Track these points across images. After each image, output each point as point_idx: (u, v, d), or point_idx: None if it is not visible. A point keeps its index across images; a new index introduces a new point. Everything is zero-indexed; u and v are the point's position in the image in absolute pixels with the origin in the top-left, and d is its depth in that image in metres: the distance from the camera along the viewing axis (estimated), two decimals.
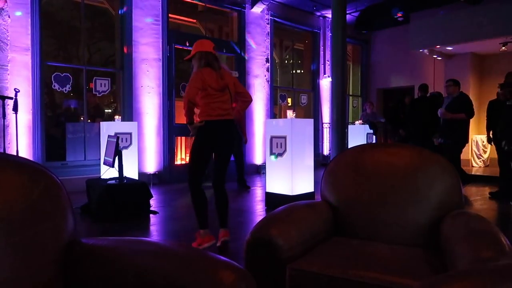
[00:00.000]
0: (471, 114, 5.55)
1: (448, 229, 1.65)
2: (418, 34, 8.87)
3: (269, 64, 8.69)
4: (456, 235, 1.52)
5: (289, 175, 4.59)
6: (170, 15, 7.25)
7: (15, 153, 4.91)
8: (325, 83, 10.09)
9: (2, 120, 4.63)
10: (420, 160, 2.00)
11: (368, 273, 1.43)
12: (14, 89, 4.46)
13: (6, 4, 4.40)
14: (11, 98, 4.53)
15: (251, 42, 8.34)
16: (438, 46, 8.87)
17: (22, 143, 5.44)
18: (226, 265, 1.06)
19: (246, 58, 8.25)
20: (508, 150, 4.81)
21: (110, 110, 10.93)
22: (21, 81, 5.50)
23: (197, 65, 3.04)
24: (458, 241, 1.45)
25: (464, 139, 5.65)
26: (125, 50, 6.61)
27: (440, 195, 1.90)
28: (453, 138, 5.57)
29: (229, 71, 3.22)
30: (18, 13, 5.44)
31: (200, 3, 7.86)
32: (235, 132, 3.18)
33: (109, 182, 4.37)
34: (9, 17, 5.44)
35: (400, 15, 8.60)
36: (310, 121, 5.04)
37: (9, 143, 5.30)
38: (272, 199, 4.75)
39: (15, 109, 4.39)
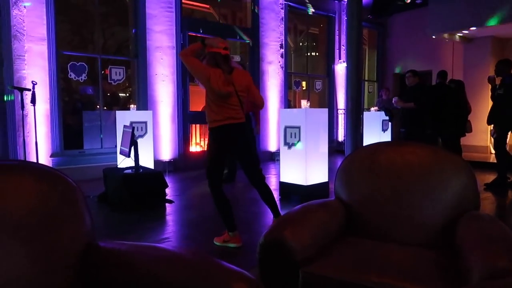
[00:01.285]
0: (421, 104, 5.74)
1: (463, 232, 1.64)
2: (437, 18, 8.62)
3: (283, 50, 8.59)
4: (471, 240, 1.51)
5: (303, 165, 4.59)
6: (183, 1, 7.20)
7: (34, 142, 5.03)
8: (340, 69, 9.95)
9: (21, 110, 4.72)
10: (435, 160, 1.97)
11: (382, 278, 1.43)
12: (32, 81, 4.53)
13: None
14: (29, 90, 4.60)
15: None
16: (458, 31, 8.61)
17: (41, 132, 5.55)
18: (239, 276, 1.08)
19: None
20: (497, 137, 5.07)
21: (125, 95, 11.04)
22: (37, 71, 5.58)
23: (208, 64, 2.96)
24: (473, 247, 1.44)
25: (418, 129, 5.81)
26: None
27: (455, 196, 1.88)
28: (408, 127, 5.94)
29: (242, 72, 3.11)
30: (27, 4, 5.48)
31: None
32: (249, 131, 3.13)
33: (125, 171, 4.44)
34: (25, 7, 5.48)
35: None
36: (325, 111, 4.99)
37: (28, 132, 5.41)
38: (286, 189, 4.77)
39: (33, 101, 4.47)
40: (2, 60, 5.37)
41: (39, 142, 5.25)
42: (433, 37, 9.19)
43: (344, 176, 2.14)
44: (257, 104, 3.24)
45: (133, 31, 6.60)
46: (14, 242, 1.19)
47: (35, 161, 5.01)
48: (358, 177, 2.08)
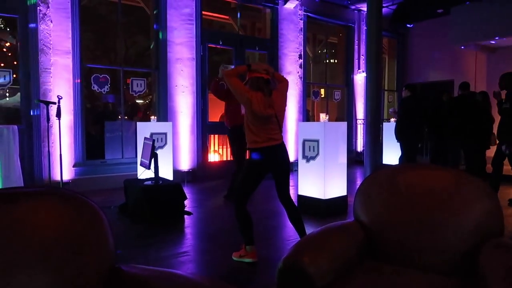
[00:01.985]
0: (402, 116, 6.13)
1: (486, 261, 1.60)
2: (460, 27, 8.49)
3: (302, 60, 8.61)
4: (494, 271, 1.48)
5: (322, 178, 4.57)
6: (203, 12, 7.31)
7: (58, 153, 5.17)
8: (360, 78, 9.89)
9: (46, 122, 4.87)
10: (457, 184, 1.94)
11: None
12: (57, 96, 4.67)
13: None
14: (54, 103, 4.75)
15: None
16: (481, 40, 8.46)
17: (64, 142, 5.70)
18: None
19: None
20: (510, 153, 4.90)
21: (142, 101, 11.23)
22: (62, 83, 5.75)
23: (250, 88, 3.01)
24: (496, 279, 1.41)
25: (409, 139, 6.12)
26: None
27: (478, 222, 1.84)
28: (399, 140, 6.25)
29: (279, 93, 3.12)
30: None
31: (233, 1, 7.86)
32: (286, 152, 3.13)
33: (145, 183, 4.52)
34: (51, 22, 5.67)
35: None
36: (344, 124, 4.97)
37: (52, 143, 5.57)
38: (304, 202, 4.75)
39: (58, 115, 4.60)
40: (29, 74, 5.56)
41: (63, 153, 5.39)
42: (455, 46, 9.06)
43: (364, 198, 2.13)
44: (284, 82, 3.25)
45: (159, 35, 6.70)
46: (42, 268, 1.23)
47: (59, 170, 5.16)
48: (377, 200, 2.06)
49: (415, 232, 1.91)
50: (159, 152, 5.05)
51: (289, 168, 3.19)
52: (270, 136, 3.00)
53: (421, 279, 1.68)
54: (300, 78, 8.60)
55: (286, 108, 3.24)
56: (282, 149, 3.10)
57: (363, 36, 9.71)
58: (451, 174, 2.01)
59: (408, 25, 10.46)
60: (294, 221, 3.19)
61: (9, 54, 10.65)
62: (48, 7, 5.63)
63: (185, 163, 7.05)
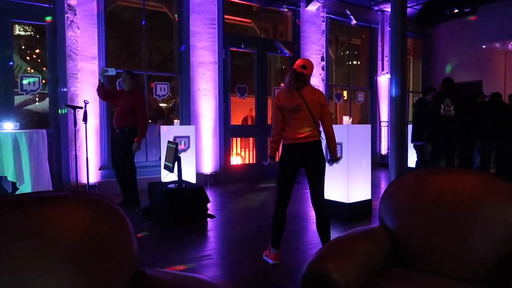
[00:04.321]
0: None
1: None
2: (488, 27, 8.24)
3: (324, 62, 8.54)
4: None
5: (345, 182, 4.51)
6: (225, 16, 7.36)
7: (85, 156, 5.29)
8: (383, 80, 9.73)
9: (74, 126, 5.00)
10: (489, 189, 1.87)
11: None
12: (84, 100, 4.79)
13: None
14: (81, 108, 4.88)
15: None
16: (510, 40, 8.18)
17: (91, 146, 5.84)
18: None
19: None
20: None
21: (165, 104, 11.39)
22: (89, 88, 5.89)
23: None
24: None
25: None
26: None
27: (509, 228, 1.76)
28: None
29: (313, 90, 3.06)
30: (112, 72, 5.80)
31: (255, 4, 7.88)
32: (317, 151, 3.04)
33: (169, 186, 4.56)
34: (78, 28, 5.82)
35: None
36: (367, 127, 4.89)
37: (79, 147, 5.71)
38: (327, 206, 4.68)
39: (85, 119, 4.73)
40: (57, 79, 5.73)
41: (89, 156, 5.52)
42: (483, 46, 8.79)
43: (389, 203, 2.08)
44: (325, 133, 3.08)
45: (182, 48, 6.81)
46: (68, 271, 1.25)
47: (85, 174, 5.28)
48: (404, 205, 2.01)
49: (443, 239, 1.85)
50: (182, 155, 5.10)
51: (321, 170, 3.07)
52: (301, 133, 2.97)
53: (449, 287, 1.62)
54: (323, 80, 8.53)
55: (324, 110, 3.06)
56: (313, 147, 3.01)
57: (387, 37, 9.55)
58: (481, 178, 1.94)
59: (434, 26, 10.22)
60: (320, 228, 3.10)
61: (39, 60, 11.02)
62: (75, 14, 5.79)
63: (208, 166, 7.10)
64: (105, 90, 5.05)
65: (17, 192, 4.40)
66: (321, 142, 3.08)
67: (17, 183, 4.55)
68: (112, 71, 4.90)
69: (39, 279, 1.19)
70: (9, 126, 4.71)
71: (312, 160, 3.04)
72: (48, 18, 5.67)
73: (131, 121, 4.84)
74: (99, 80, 5.01)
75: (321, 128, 3.11)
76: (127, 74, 5.03)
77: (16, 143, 4.53)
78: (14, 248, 1.19)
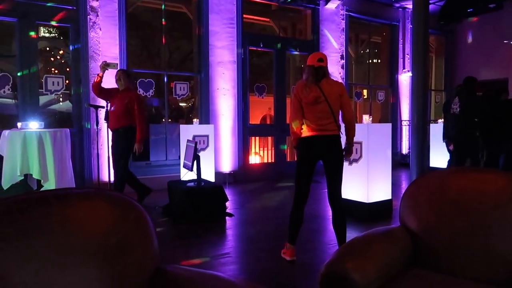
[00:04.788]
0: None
1: None
2: None
3: (344, 61, 8.45)
4: None
5: (365, 182, 4.45)
6: (243, 15, 7.37)
7: (106, 154, 5.39)
8: (404, 78, 9.57)
9: (96, 126, 5.10)
10: None
11: None
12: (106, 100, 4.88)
13: None
14: (103, 107, 4.96)
15: (330, 37, 8.16)
16: None
17: None
18: None
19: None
20: None
21: (185, 104, 11.50)
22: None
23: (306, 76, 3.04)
24: None
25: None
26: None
27: None
28: None
29: (333, 82, 3.05)
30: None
31: (274, 3, 7.87)
32: (335, 146, 3.01)
33: (188, 185, 4.61)
34: (100, 29, 5.94)
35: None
36: (388, 126, 4.81)
37: (101, 145, 5.82)
38: (346, 206, 4.61)
39: (106, 118, 4.82)
40: (80, 79, 5.86)
41: (111, 154, 5.61)
42: (509, 42, 8.53)
43: (411, 202, 2.04)
44: (346, 122, 3.08)
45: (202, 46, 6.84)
46: (91, 266, 1.28)
47: (107, 172, 5.38)
48: (426, 205, 1.97)
49: (466, 240, 1.80)
50: (201, 154, 5.14)
51: (340, 165, 3.03)
52: (320, 126, 2.94)
53: None
54: (342, 79, 8.45)
55: (343, 100, 3.04)
56: (332, 141, 2.98)
57: (408, 35, 9.38)
58: (506, 179, 1.88)
59: (457, 22, 9.97)
60: (336, 225, 3.07)
61: (62, 61, 11.29)
62: (97, 15, 5.91)
63: (227, 165, 7.13)
64: (101, 86, 4.85)
65: (41, 190, 4.52)
66: (340, 137, 3.04)
67: (42, 181, 4.67)
68: (114, 66, 4.85)
69: (62, 272, 1.22)
70: (34, 125, 4.84)
71: (331, 155, 3.00)
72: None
73: (126, 122, 4.67)
74: (98, 74, 4.84)
75: (340, 123, 3.07)
76: (123, 72, 4.90)
77: (41, 142, 4.66)
78: (39, 243, 1.23)
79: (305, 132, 3.01)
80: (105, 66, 4.80)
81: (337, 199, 3.05)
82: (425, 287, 1.61)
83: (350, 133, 3.08)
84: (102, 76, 4.85)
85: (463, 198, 1.88)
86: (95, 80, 4.86)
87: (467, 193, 1.89)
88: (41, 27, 10.04)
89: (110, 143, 4.91)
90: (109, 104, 4.86)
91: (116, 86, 4.91)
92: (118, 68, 5.02)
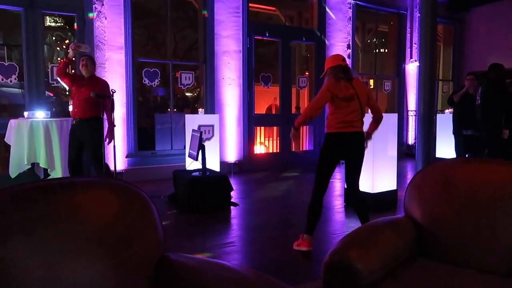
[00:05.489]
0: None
1: None
2: None
3: (350, 50, 8.37)
4: None
5: (370, 172, 4.44)
6: (249, 4, 7.30)
7: (112, 144, 5.42)
8: (412, 68, 9.46)
9: (101, 115, 5.11)
10: None
11: None
12: (111, 90, 4.88)
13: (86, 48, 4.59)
14: (108, 97, 4.96)
15: (330, 13, 8.07)
16: None
17: (118, 134, 5.96)
18: None
19: (327, 44, 8.03)
20: None
21: (190, 94, 11.48)
22: (116, 77, 6.01)
23: (327, 79, 3.12)
24: None
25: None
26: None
27: None
28: None
29: (361, 82, 3.23)
30: (91, 14, 5.89)
31: None
32: (363, 142, 3.18)
33: (193, 174, 4.63)
34: (106, 19, 5.92)
35: None
36: (394, 116, 4.79)
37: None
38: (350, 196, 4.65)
39: (112, 108, 4.82)
40: None
41: (117, 144, 5.64)
42: None
43: (416, 192, 2.04)
44: (378, 115, 3.27)
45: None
46: (97, 254, 1.29)
47: (113, 161, 5.41)
48: (431, 194, 1.96)
49: (472, 230, 1.80)
50: (206, 144, 5.15)
51: (362, 160, 3.20)
52: (351, 122, 3.05)
53: (477, 280, 1.58)
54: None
55: (372, 99, 3.26)
56: (359, 137, 3.13)
57: (416, 24, 9.25)
58: None
59: (466, 11, 9.82)
60: (358, 211, 3.22)
61: (68, 51, 11.28)
62: (102, 4, 5.89)
63: (232, 155, 7.14)
64: (66, 69, 4.51)
65: (48, 178, 4.56)
66: (363, 133, 3.19)
67: (48, 170, 4.72)
68: (86, 48, 4.60)
69: (69, 260, 1.23)
70: (41, 114, 4.88)
71: (357, 151, 3.15)
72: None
73: (96, 111, 4.44)
74: (67, 56, 4.52)
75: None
76: (91, 58, 4.66)
77: (47, 131, 4.70)
78: (46, 231, 1.24)
79: (336, 127, 3.06)
80: (77, 48, 4.50)
81: (358, 191, 3.26)
82: (430, 277, 1.61)
83: (377, 125, 3.29)
84: (72, 58, 4.55)
85: (469, 188, 1.87)
86: (63, 61, 4.54)
87: (473, 183, 1.88)
88: (47, 17, 10.03)
89: (73, 134, 4.58)
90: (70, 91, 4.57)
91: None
92: (89, 51, 4.84)
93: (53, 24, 11.03)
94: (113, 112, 4.77)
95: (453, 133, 6.31)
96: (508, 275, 1.65)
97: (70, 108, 4.68)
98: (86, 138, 4.53)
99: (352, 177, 3.23)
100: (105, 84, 4.69)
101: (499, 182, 1.84)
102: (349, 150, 3.13)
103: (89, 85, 4.51)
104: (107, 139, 4.65)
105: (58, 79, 4.64)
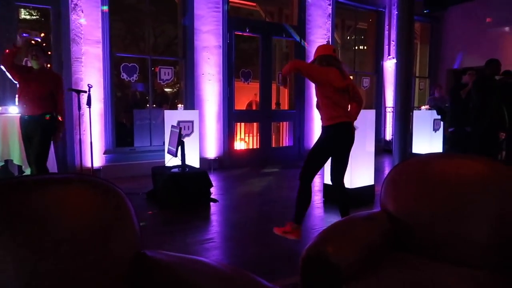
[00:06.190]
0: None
1: None
2: (499, 11, 8.08)
3: None
4: None
5: (348, 167, 4.44)
6: (230, 0, 7.27)
7: (89, 140, 5.32)
8: (389, 65, 9.62)
9: (78, 110, 5.01)
10: (493, 174, 1.86)
11: None
12: (88, 84, 4.79)
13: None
14: (85, 92, 4.87)
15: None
16: None
17: (95, 130, 5.87)
18: None
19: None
20: None
21: (170, 89, 11.36)
22: (93, 72, 5.89)
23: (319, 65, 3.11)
24: None
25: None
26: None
27: None
28: None
29: (346, 74, 3.20)
30: (82, 20, 5.75)
31: None
32: (353, 133, 3.19)
33: (173, 170, 4.59)
34: (82, 12, 5.79)
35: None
36: (371, 112, 4.85)
37: (84, 131, 5.73)
38: (330, 191, 4.70)
39: (89, 103, 4.73)
40: (62, 63, 5.72)
41: (94, 140, 5.55)
42: (494, 30, 8.64)
43: (392, 187, 2.08)
44: (360, 101, 3.26)
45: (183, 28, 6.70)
46: (71, 251, 1.27)
47: (89, 158, 5.31)
48: (406, 189, 2.00)
49: (445, 224, 1.85)
50: (186, 140, 5.11)
51: (350, 150, 3.22)
52: (347, 113, 3.09)
53: (451, 271, 1.63)
54: None
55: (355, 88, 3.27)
56: (352, 127, 3.14)
57: (394, 21, 9.40)
58: (486, 165, 1.92)
59: (443, 9, 10.03)
60: (341, 206, 3.25)
61: (43, 44, 10.98)
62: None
63: (212, 151, 7.11)
64: (14, 59, 4.03)
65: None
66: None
67: (23, 167, 4.60)
68: (37, 35, 4.35)
69: (41, 259, 1.21)
70: (15, 110, 4.73)
71: (350, 141, 3.16)
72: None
73: (50, 108, 4.07)
74: (14, 44, 4.07)
75: None
76: (41, 49, 4.16)
77: None
78: (18, 229, 1.21)
79: (334, 118, 3.04)
80: (27, 38, 4.22)
81: (344, 185, 3.29)
82: (405, 270, 1.65)
83: (359, 111, 3.27)
84: (20, 48, 4.07)
85: (442, 183, 1.92)
86: (10, 50, 3.96)
87: (447, 178, 1.93)
88: (21, 9, 9.72)
89: (23, 130, 4.14)
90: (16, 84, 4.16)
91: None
92: (40, 40, 4.51)
93: (28, 17, 10.70)
94: (89, 107, 4.67)
95: (453, 131, 6.09)
96: (480, 267, 1.70)
97: (17, 103, 4.21)
98: (35, 136, 4.06)
99: (340, 171, 3.23)
100: (59, 78, 4.25)
101: (471, 177, 1.89)
102: (343, 141, 3.13)
103: (40, 78, 4.02)
104: (56, 138, 4.22)
105: (3, 68, 4.04)
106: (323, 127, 3.14)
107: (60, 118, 4.14)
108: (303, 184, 3.12)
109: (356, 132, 4.41)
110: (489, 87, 5.20)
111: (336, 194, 3.33)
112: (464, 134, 5.72)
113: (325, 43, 3.32)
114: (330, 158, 3.23)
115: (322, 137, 3.15)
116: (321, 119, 3.15)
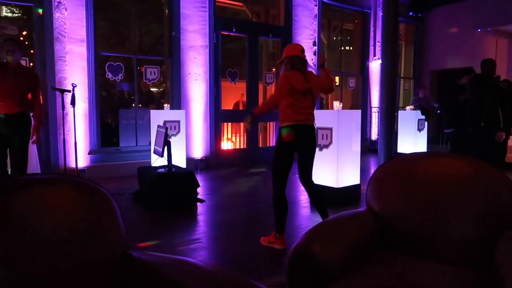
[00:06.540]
0: None
1: (502, 253, 1.57)
2: (481, 12, 8.24)
3: (316, 47, 8.49)
4: (509, 264, 1.45)
5: (335, 167, 4.53)
6: (216, 0, 7.25)
7: (73, 140, 5.24)
8: (375, 66, 9.73)
9: (62, 110, 4.93)
10: (476, 173, 1.89)
11: None
12: (72, 84, 4.71)
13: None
14: (69, 91, 4.80)
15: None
16: (504, 25, 8.20)
17: (80, 130, 5.78)
18: None
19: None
20: None
21: (156, 89, 11.26)
22: (77, 71, 5.80)
23: (284, 68, 3.13)
24: (510, 273, 1.38)
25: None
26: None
27: (497, 212, 1.79)
28: None
29: (314, 75, 3.23)
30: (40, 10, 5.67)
31: None
32: (314, 135, 3.22)
33: (159, 170, 4.56)
34: (66, 10, 5.70)
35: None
36: (357, 112, 4.90)
37: (68, 131, 5.65)
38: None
39: (73, 102, 4.66)
40: (45, 62, 5.62)
41: (78, 140, 5.46)
42: (475, 32, 8.81)
43: (377, 187, 2.10)
44: (330, 87, 3.30)
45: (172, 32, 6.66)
46: (57, 253, 1.24)
47: (74, 158, 5.23)
48: (391, 188, 2.03)
49: (430, 222, 1.88)
50: (172, 140, 5.08)
51: (314, 153, 3.24)
52: (304, 115, 3.08)
53: (435, 269, 1.65)
54: (314, 65, 8.49)
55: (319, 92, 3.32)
56: (312, 130, 3.17)
57: (379, 22, 9.51)
58: (469, 164, 1.96)
59: (427, 11, 10.19)
60: (316, 202, 3.27)
61: (26, 42, 10.78)
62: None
63: (198, 151, 7.08)
64: None
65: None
66: (315, 127, 3.22)
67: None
68: (13, 29, 4.21)
69: (26, 262, 1.18)
70: None
71: (310, 143, 3.18)
72: (40, 11, 5.48)
73: (28, 106, 3.91)
74: None
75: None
76: (17, 44, 3.91)
77: None
78: (1, 232, 1.18)
79: (290, 120, 3.05)
80: (1, 29, 4.04)
81: (312, 182, 3.28)
82: (390, 268, 1.67)
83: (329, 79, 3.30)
84: None
85: (427, 182, 1.95)
86: None
87: (431, 177, 1.96)
88: (3, 6, 9.52)
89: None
90: None
91: None
92: (17, 33, 4.34)
93: (9, 15, 10.49)
94: (73, 106, 4.60)
95: (453, 132, 6.06)
96: (464, 265, 1.73)
97: None
98: (14, 137, 3.86)
99: (306, 170, 3.24)
100: (36, 75, 4.07)
101: (454, 176, 1.92)
102: (305, 143, 3.14)
103: (17, 75, 3.83)
104: (33, 138, 4.00)
105: None
106: (280, 128, 3.15)
107: (35, 119, 3.92)
108: (276, 194, 3.14)
109: (342, 132, 4.47)
110: (484, 86, 5.26)
111: (310, 193, 3.34)
112: (466, 133, 5.74)
113: (294, 42, 3.31)
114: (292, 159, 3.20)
115: (277, 140, 3.16)
116: (280, 121, 3.17)
